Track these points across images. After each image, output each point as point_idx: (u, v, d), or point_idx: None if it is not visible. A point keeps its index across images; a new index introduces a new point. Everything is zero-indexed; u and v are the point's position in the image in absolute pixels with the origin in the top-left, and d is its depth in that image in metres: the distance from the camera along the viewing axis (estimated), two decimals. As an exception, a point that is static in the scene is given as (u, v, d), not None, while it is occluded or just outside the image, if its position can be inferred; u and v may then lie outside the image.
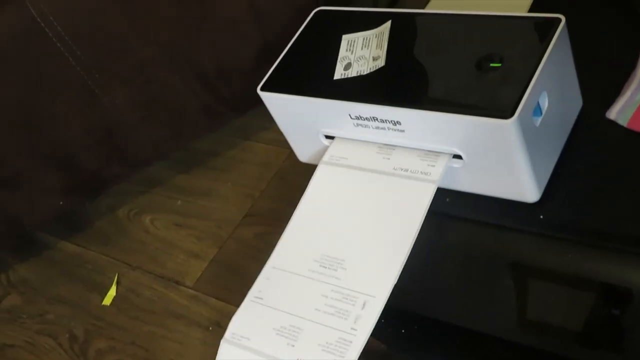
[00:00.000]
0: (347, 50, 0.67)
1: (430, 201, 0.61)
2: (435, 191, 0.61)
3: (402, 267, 0.59)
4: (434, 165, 0.62)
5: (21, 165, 1.01)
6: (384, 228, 0.62)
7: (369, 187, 0.65)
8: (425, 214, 0.60)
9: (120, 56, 0.97)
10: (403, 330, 0.70)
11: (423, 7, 0.79)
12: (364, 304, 0.59)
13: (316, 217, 0.66)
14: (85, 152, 1.03)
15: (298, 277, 0.63)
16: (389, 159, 0.64)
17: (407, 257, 0.59)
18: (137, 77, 0.99)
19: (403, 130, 0.62)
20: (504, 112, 0.54)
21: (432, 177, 0.61)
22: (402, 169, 0.63)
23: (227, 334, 0.64)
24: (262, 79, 0.69)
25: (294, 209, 0.68)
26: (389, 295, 0.59)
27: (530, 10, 0.72)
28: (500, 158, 0.57)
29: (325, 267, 0.63)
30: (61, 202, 1.07)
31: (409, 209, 0.61)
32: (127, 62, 0.98)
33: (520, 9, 0.72)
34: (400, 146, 0.64)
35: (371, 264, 0.61)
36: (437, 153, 0.62)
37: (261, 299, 0.64)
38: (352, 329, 0.59)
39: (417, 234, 0.60)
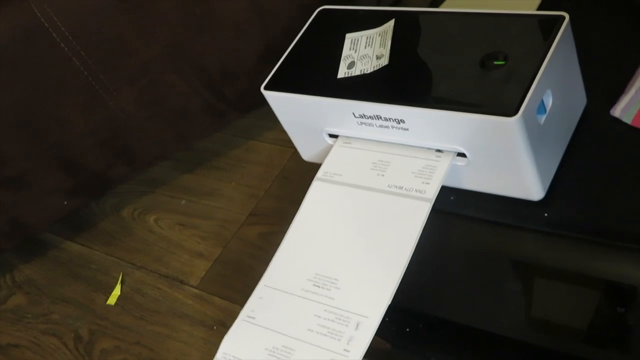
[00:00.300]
0: (350, 49, 0.67)
1: (425, 220, 0.60)
2: (430, 209, 0.60)
3: (397, 287, 0.58)
4: (428, 183, 0.61)
5: (26, 166, 1.01)
6: (378, 247, 0.61)
7: (364, 205, 0.64)
8: (420, 233, 0.59)
9: (124, 57, 0.97)
10: (407, 329, 0.70)
11: (427, 6, 0.79)
12: (357, 325, 0.58)
13: (310, 235, 0.65)
14: (89, 152, 1.03)
15: (291, 296, 0.63)
16: (383, 175, 0.64)
17: (401, 277, 0.58)
18: (141, 77, 0.99)
19: (407, 129, 0.62)
20: (508, 110, 0.54)
21: (427, 195, 0.61)
22: (396, 187, 0.63)
23: (219, 354, 0.63)
24: (265, 78, 0.70)
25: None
26: (382, 315, 0.58)
27: (539, 9, 0.72)
28: (505, 156, 0.57)
29: (319, 287, 0.62)
30: (65, 202, 1.08)
31: (403, 227, 0.60)
32: (131, 62, 0.98)
33: (530, 8, 0.72)
34: (395, 160, 0.64)
35: (365, 284, 0.60)
36: (432, 170, 0.61)
37: (253, 318, 0.63)
38: (345, 350, 0.58)
39: (412, 253, 0.59)
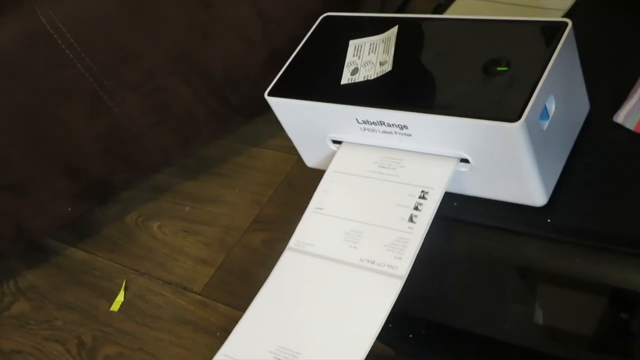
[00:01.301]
0: (354, 56, 0.67)
1: (396, 297, 0.58)
2: (401, 287, 0.58)
3: None
4: (401, 258, 0.59)
5: (30, 172, 1.01)
6: (345, 323, 0.60)
7: (334, 278, 0.62)
8: (389, 310, 0.58)
9: (129, 63, 0.97)
10: (410, 335, 0.70)
11: (430, 13, 0.79)
12: None
13: (277, 305, 0.64)
14: (93, 158, 1.04)
15: None
16: (355, 247, 0.62)
17: (366, 355, 0.57)
18: (145, 84, 1.00)
19: (410, 135, 0.62)
20: (511, 115, 0.54)
21: (399, 271, 0.59)
22: (368, 261, 0.61)
23: None
24: (269, 84, 0.70)
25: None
26: None
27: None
28: (508, 162, 0.57)
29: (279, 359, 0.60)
30: (69, 209, 1.08)
31: (372, 304, 0.59)
32: (135, 69, 0.98)
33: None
34: (367, 231, 0.63)
35: None
36: (405, 243, 0.60)
37: None
38: None
39: (378, 332, 0.57)
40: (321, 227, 0.66)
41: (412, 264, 0.59)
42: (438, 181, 0.61)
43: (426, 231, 0.60)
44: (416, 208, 0.62)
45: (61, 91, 0.95)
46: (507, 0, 0.78)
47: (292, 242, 0.66)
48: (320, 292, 0.63)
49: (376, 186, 0.64)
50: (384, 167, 0.65)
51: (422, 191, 0.62)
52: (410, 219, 0.61)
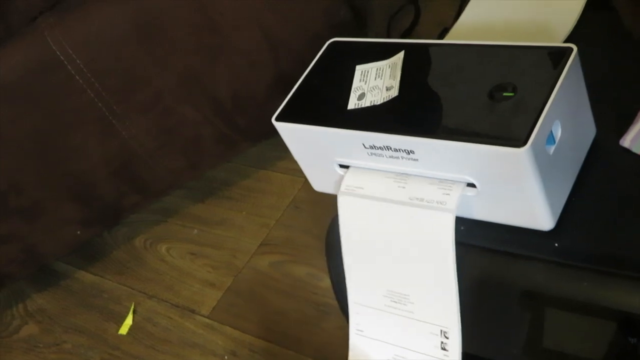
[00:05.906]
0: (360, 81, 0.68)
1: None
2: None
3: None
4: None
5: (40, 196, 1.02)
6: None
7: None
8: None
9: (138, 87, 0.98)
10: None
11: (435, 39, 0.80)
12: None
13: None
14: (102, 182, 1.04)
15: None
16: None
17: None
18: (154, 107, 1.00)
19: (417, 160, 0.62)
20: (517, 140, 0.54)
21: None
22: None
23: None
24: (277, 108, 0.70)
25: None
26: None
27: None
28: (514, 186, 0.58)
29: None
30: (79, 232, 1.08)
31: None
32: (144, 92, 0.99)
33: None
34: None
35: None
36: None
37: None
38: None
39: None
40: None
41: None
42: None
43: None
44: None
45: (71, 117, 0.96)
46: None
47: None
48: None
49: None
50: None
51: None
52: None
